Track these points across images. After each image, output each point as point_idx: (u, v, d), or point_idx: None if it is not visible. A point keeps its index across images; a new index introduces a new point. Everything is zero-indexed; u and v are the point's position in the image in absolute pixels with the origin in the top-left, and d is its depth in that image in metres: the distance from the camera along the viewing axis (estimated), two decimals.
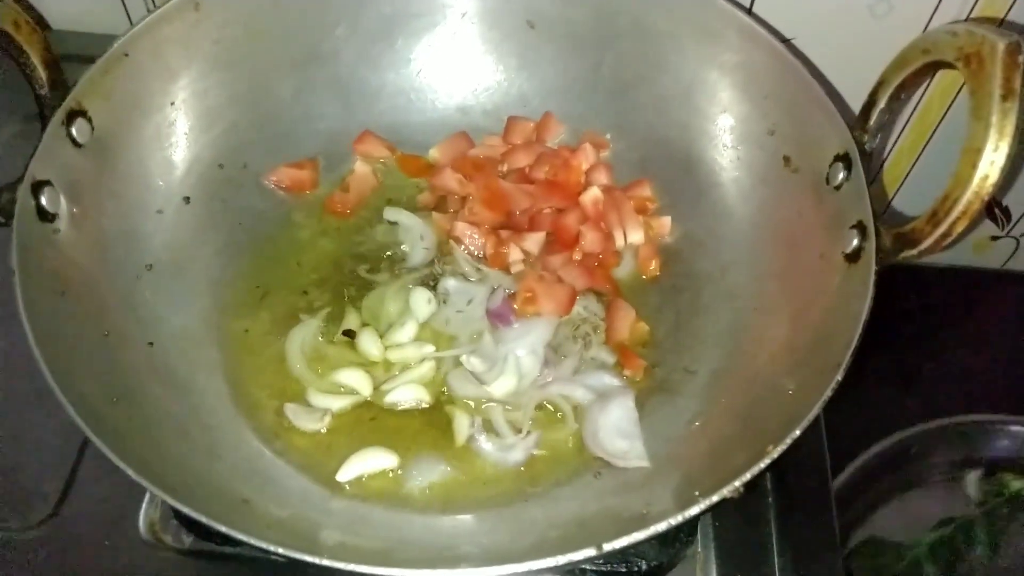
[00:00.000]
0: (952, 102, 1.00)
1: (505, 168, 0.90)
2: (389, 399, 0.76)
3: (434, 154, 0.90)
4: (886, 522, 1.03)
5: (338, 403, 0.75)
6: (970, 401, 1.07)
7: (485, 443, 0.74)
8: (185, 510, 0.58)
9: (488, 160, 0.90)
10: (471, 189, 0.87)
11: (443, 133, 0.91)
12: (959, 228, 0.59)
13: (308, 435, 0.74)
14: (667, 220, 0.86)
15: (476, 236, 0.84)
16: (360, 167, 0.89)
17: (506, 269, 0.83)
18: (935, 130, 1.04)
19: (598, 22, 0.88)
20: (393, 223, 0.86)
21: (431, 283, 0.82)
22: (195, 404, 0.73)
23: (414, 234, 0.85)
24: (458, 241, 0.84)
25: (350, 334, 0.79)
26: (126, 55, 0.76)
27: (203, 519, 0.58)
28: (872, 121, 0.70)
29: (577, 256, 0.84)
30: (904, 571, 0.99)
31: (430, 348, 0.78)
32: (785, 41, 0.82)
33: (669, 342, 0.80)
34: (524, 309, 0.80)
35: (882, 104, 0.70)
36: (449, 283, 0.82)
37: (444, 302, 0.81)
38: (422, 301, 0.80)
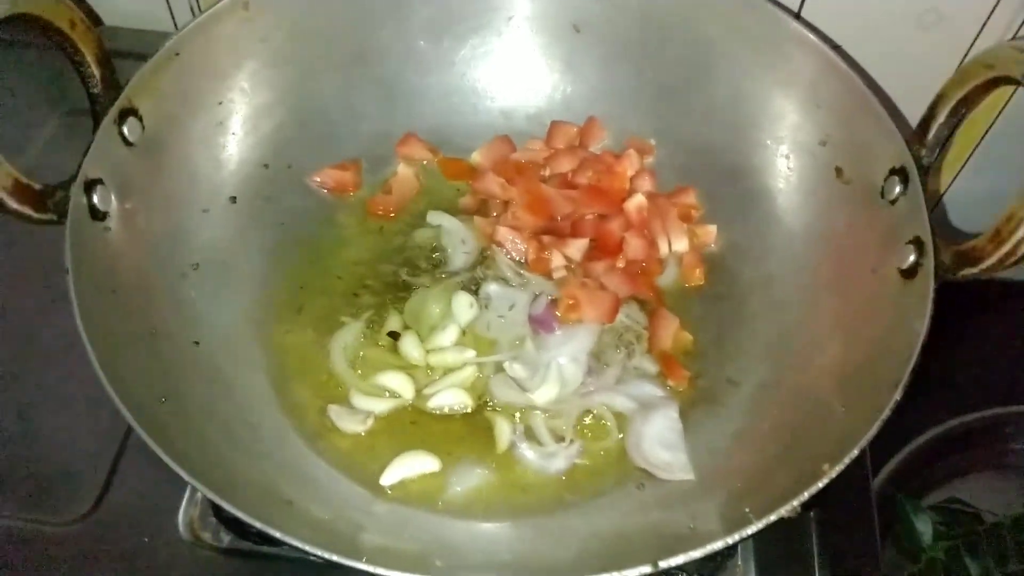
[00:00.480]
0: (997, 115, 0.99)
1: (547, 173, 0.89)
2: (431, 403, 0.76)
3: (476, 157, 0.90)
4: (970, 491, 1.05)
5: (380, 406, 0.75)
6: None
7: (527, 450, 0.73)
8: (229, 508, 0.58)
9: (531, 164, 0.89)
10: (513, 194, 0.87)
11: (486, 136, 0.91)
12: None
13: (350, 437, 0.74)
14: (712, 228, 0.85)
15: (518, 241, 0.84)
16: (403, 169, 0.89)
17: (548, 275, 0.83)
18: (982, 139, 1.02)
19: (645, 27, 0.87)
20: (436, 226, 0.86)
21: (473, 287, 0.82)
22: (239, 403, 0.73)
23: (456, 238, 0.85)
24: (500, 245, 0.84)
25: (394, 336, 0.79)
26: (177, 54, 0.76)
27: (246, 517, 0.58)
28: (931, 135, 0.69)
29: (620, 263, 0.84)
30: (982, 534, 1.01)
31: (471, 353, 0.78)
32: (836, 47, 0.81)
33: (713, 352, 0.79)
34: (566, 316, 0.80)
35: (941, 119, 0.68)
36: (491, 288, 0.81)
37: (486, 307, 0.81)
38: (464, 305, 0.80)
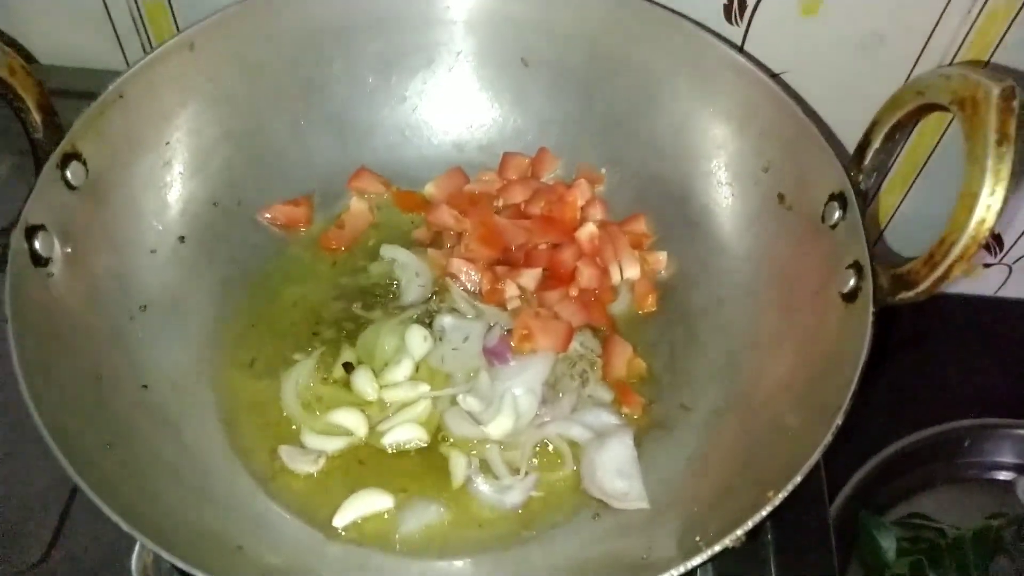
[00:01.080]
0: (942, 136, 1.01)
1: (500, 203, 0.90)
2: (386, 439, 0.75)
3: (430, 189, 0.90)
4: (931, 506, 1.06)
5: (333, 444, 0.75)
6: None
7: (482, 485, 0.73)
8: (176, 562, 0.57)
9: (484, 195, 0.90)
10: (466, 225, 0.87)
11: (439, 169, 0.91)
12: (956, 271, 0.59)
13: (303, 478, 0.73)
14: (663, 255, 0.86)
15: (472, 272, 0.84)
16: (356, 203, 0.89)
17: (502, 306, 0.83)
18: (925, 164, 1.04)
19: (591, 60, 0.88)
20: (389, 260, 0.86)
21: (427, 320, 0.82)
22: (188, 446, 0.72)
23: (410, 271, 0.85)
24: (454, 278, 0.84)
25: (348, 367, 0.78)
26: (121, 96, 0.75)
27: (191, 569, 0.57)
28: (867, 161, 0.70)
29: (573, 292, 0.84)
30: (945, 548, 1.02)
31: (425, 387, 0.78)
32: (774, 76, 0.82)
33: (667, 378, 0.80)
34: (521, 346, 0.80)
35: (877, 144, 0.70)
36: (445, 320, 0.82)
37: (440, 339, 0.81)
38: (418, 339, 0.80)
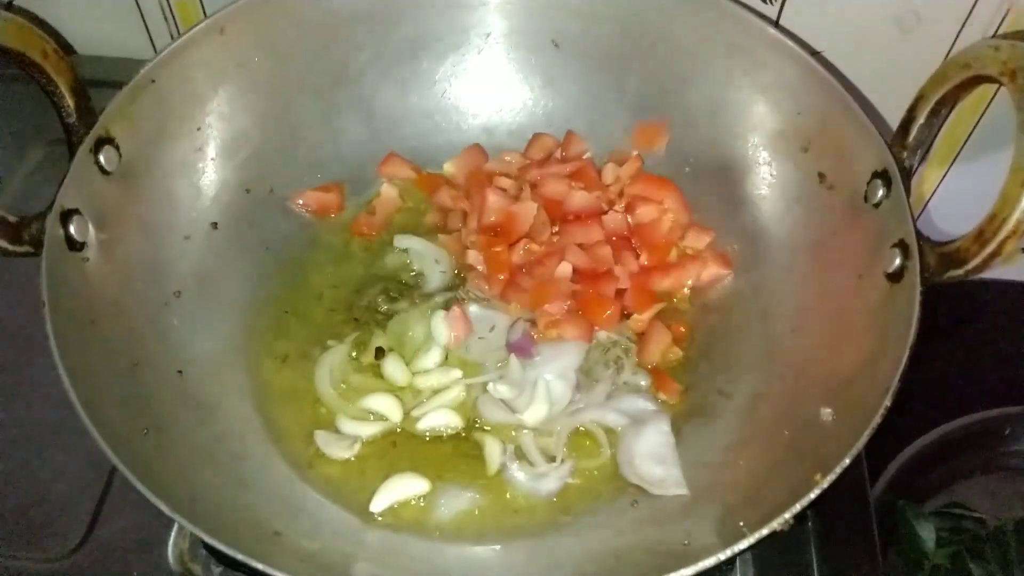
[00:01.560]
0: (982, 114, 0.99)
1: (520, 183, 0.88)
2: (420, 425, 0.75)
3: (449, 168, 0.89)
4: (971, 495, 1.04)
5: (368, 430, 0.74)
6: None
7: (517, 472, 0.72)
8: (214, 542, 0.57)
9: (503, 173, 0.88)
10: (465, 204, 0.86)
11: None
12: (1008, 248, 0.57)
13: (338, 463, 0.73)
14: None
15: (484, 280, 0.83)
16: (386, 190, 0.88)
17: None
18: (967, 139, 1.02)
19: (623, 39, 0.87)
20: (404, 249, 0.85)
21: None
22: (224, 432, 0.72)
23: (428, 258, 0.84)
24: (472, 269, 0.83)
25: (380, 353, 0.78)
26: (153, 81, 0.75)
27: (234, 553, 0.57)
28: (911, 137, 0.69)
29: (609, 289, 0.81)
30: (985, 539, 1.00)
31: (457, 373, 0.77)
32: (815, 54, 0.81)
33: (703, 365, 0.79)
34: (547, 333, 0.79)
35: (921, 120, 0.68)
36: (471, 309, 0.80)
37: None
38: (443, 327, 0.79)
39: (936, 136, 0.69)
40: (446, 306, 0.80)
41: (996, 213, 0.57)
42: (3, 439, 0.80)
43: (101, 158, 0.71)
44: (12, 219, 0.65)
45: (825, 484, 0.56)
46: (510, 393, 0.76)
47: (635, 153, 0.88)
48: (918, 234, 0.65)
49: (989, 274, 1.16)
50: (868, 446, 0.80)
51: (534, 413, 0.74)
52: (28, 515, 0.77)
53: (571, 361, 0.77)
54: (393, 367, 0.77)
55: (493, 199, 0.84)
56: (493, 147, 0.91)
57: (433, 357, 0.77)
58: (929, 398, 1.06)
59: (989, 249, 0.58)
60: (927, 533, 1.00)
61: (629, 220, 0.85)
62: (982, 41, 0.62)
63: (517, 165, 0.90)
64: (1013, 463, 1.07)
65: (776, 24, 0.90)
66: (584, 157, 0.89)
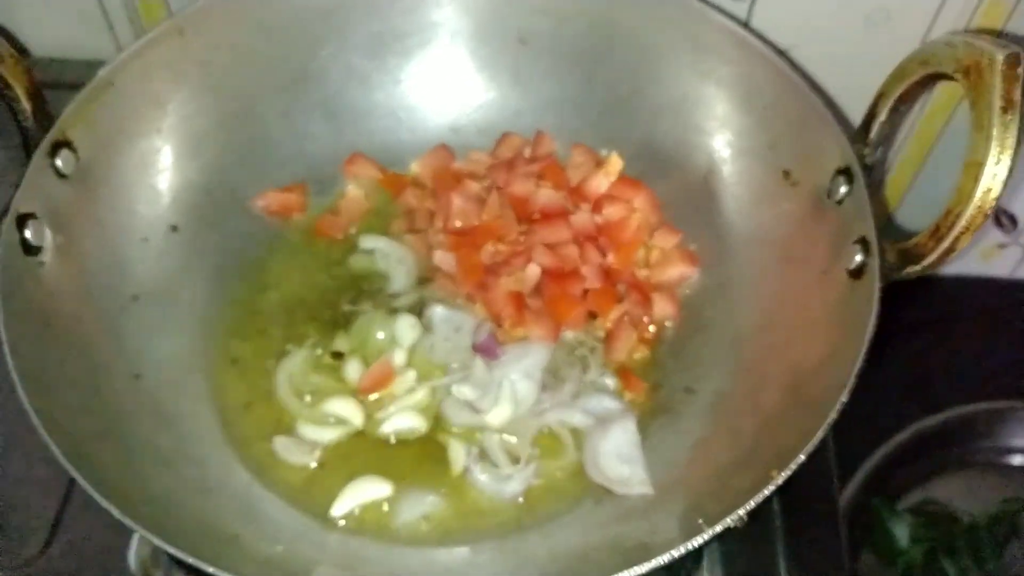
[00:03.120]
0: (953, 112, 0.99)
1: (487, 183, 0.87)
2: (384, 428, 0.74)
3: (415, 168, 0.89)
4: (945, 491, 1.04)
5: (328, 434, 0.73)
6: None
7: (480, 474, 0.72)
8: (171, 550, 0.57)
9: (471, 174, 0.87)
10: (429, 203, 0.86)
11: None
12: (963, 243, 0.58)
13: (299, 468, 0.72)
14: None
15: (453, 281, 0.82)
16: (352, 190, 0.87)
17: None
18: (937, 141, 1.02)
19: (591, 37, 0.86)
20: (370, 250, 0.84)
21: (417, 310, 0.80)
22: (183, 436, 0.71)
23: (392, 259, 0.83)
24: (438, 270, 0.82)
25: (337, 356, 0.77)
26: (111, 84, 0.74)
27: (190, 559, 0.56)
28: (873, 134, 0.69)
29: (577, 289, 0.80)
30: (959, 535, 1.00)
31: (412, 374, 0.76)
32: (782, 53, 0.81)
33: (671, 362, 0.78)
34: (511, 333, 0.78)
35: (883, 117, 0.68)
36: (436, 311, 0.79)
37: (430, 330, 0.79)
38: (406, 327, 0.78)
39: (904, 137, 0.70)
40: (411, 308, 0.80)
41: (951, 209, 0.57)
42: None
43: (58, 162, 0.71)
44: None
45: (780, 480, 0.56)
46: (474, 394, 0.75)
47: (614, 154, 0.87)
48: (878, 231, 0.65)
49: (964, 269, 1.18)
50: (842, 443, 0.80)
51: (499, 414, 0.74)
52: None
53: (537, 361, 0.76)
54: (354, 370, 0.76)
55: (459, 202, 0.83)
56: (460, 146, 0.90)
57: (396, 359, 0.76)
58: (903, 394, 1.07)
59: (945, 244, 0.58)
60: (901, 530, 1.01)
61: (597, 220, 0.85)
62: (940, 38, 0.62)
63: (485, 165, 0.89)
64: (987, 459, 1.07)
65: (745, 24, 0.89)
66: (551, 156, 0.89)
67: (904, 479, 1.05)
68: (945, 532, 1.02)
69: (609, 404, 0.76)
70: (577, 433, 0.74)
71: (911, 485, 1.06)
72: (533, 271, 0.80)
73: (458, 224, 0.84)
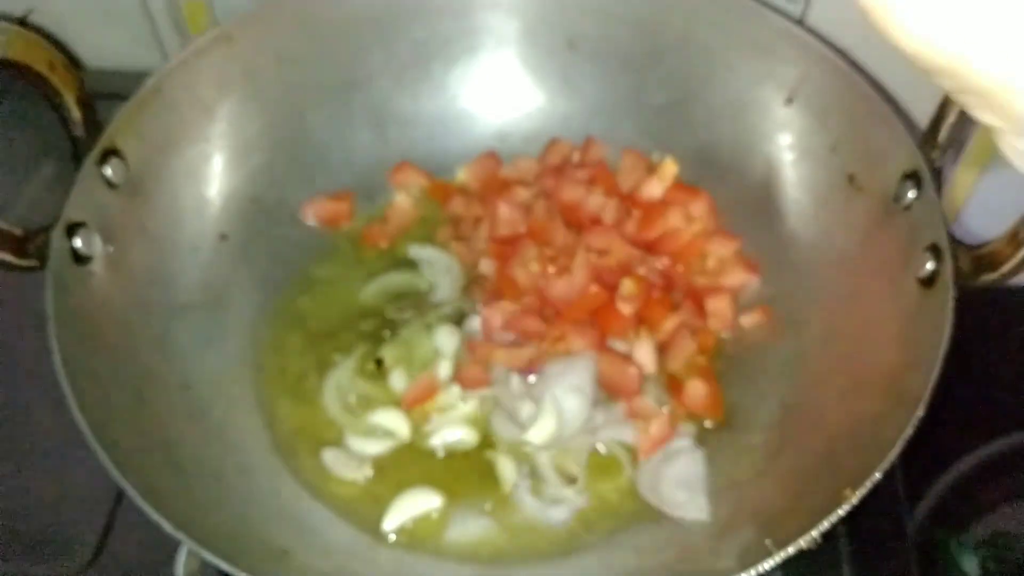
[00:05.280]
0: None
1: (535, 191, 0.85)
2: (432, 441, 0.73)
3: (462, 176, 0.87)
4: (1016, 521, 0.96)
5: (377, 447, 0.72)
6: None
7: (527, 497, 0.69)
8: (221, 564, 0.56)
9: (519, 180, 0.86)
10: (477, 209, 0.84)
11: None
12: None
13: (349, 481, 0.71)
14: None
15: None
16: (400, 199, 0.86)
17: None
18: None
19: (642, 39, 0.84)
20: (417, 259, 0.83)
21: (457, 319, 0.79)
22: (232, 448, 0.70)
23: (439, 268, 0.82)
24: (484, 278, 0.81)
25: (379, 363, 0.76)
26: (160, 91, 0.74)
27: (236, 571, 0.55)
28: (941, 137, 0.66)
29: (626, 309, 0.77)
30: None
31: (457, 389, 0.74)
32: (840, 52, 0.78)
33: (730, 374, 0.75)
34: (553, 348, 0.76)
35: (951, 119, 0.66)
36: (475, 321, 0.78)
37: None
38: (446, 336, 0.77)
39: (967, 136, 0.67)
40: (455, 316, 0.78)
41: None
42: (11, 455, 0.80)
43: (108, 171, 0.70)
44: (17, 232, 0.65)
45: (855, 499, 0.54)
46: (518, 407, 0.73)
47: (668, 158, 0.84)
48: (951, 237, 0.62)
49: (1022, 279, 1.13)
50: (906, 469, 0.77)
51: (541, 431, 0.71)
52: (37, 533, 0.76)
53: (585, 373, 0.73)
54: (398, 381, 0.75)
55: (505, 209, 0.82)
56: (508, 153, 0.88)
57: (442, 370, 0.75)
58: (965, 418, 1.02)
59: None
60: (969, 564, 0.96)
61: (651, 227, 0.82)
62: None
63: (533, 171, 0.87)
64: None
65: (800, 22, 0.87)
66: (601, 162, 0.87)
67: (972, 509, 0.99)
68: (1017, 566, 0.97)
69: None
70: (632, 451, 0.72)
71: (979, 515, 1.00)
72: (628, 288, 0.77)
73: (504, 231, 0.82)
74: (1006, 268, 0.59)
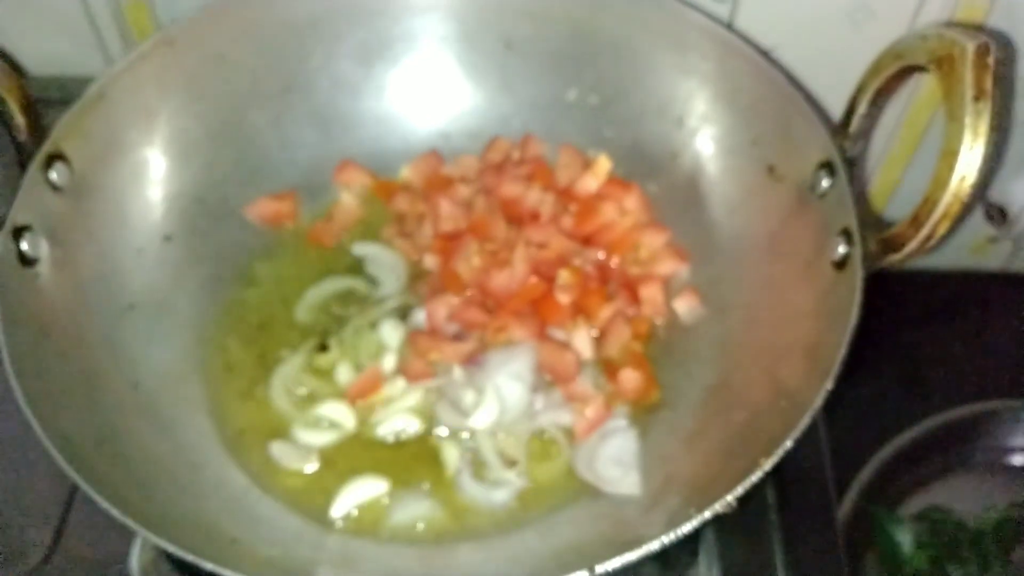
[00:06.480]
0: (939, 107, 0.99)
1: (476, 187, 0.88)
2: (380, 430, 0.75)
3: (405, 174, 0.90)
4: (948, 496, 1.02)
5: (323, 438, 0.74)
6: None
7: (469, 481, 0.72)
8: (172, 548, 0.57)
9: (461, 178, 0.88)
10: (420, 207, 0.86)
11: None
12: (941, 230, 0.59)
13: (296, 472, 0.73)
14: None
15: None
16: (345, 198, 0.88)
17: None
18: (924, 135, 1.03)
19: (574, 40, 0.87)
20: (361, 256, 0.85)
21: (402, 314, 0.81)
22: (181, 443, 0.72)
23: (384, 264, 0.84)
24: (429, 273, 0.83)
25: (325, 347, 0.78)
26: (103, 96, 0.75)
27: (190, 556, 0.57)
28: (853, 127, 0.70)
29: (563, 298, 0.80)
30: (964, 541, 0.99)
31: (402, 381, 0.77)
32: (763, 53, 0.82)
33: (661, 358, 0.79)
34: (495, 338, 0.78)
35: (862, 110, 0.69)
36: (419, 316, 0.80)
37: None
38: (390, 331, 0.79)
39: (875, 125, 0.71)
40: (400, 311, 0.81)
41: (928, 197, 0.59)
42: None
43: (52, 174, 0.72)
44: None
45: (767, 467, 0.57)
46: (461, 395, 0.75)
47: (603, 155, 0.87)
48: (860, 222, 0.66)
49: (958, 265, 1.18)
50: (839, 449, 0.80)
51: (483, 418, 0.74)
52: None
53: (524, 363, 0.76)
54: (345, 374, 0.77)
55: (447, 205, 0.84)
56: (450, 151, 0.91)
57: (387, 364, 0.77)
58: (899, 397, 1.06)
59: (924, 232, 0.59)
60: (904, 537, 0.99)
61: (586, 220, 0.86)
62: (913, 31, 0.64)
63: (474, 169, 0.90)
64: (990, 460, 1.05)
65: (729, 25, 0.91)
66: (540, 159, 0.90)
67: (905, 484, 1.03)
68: (950, 538, 1.00)
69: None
70: (570, 433, 0.75)
71: (913, 490, 1.04)
72: (564, 278, 0.80)
73: (446, 227, 0.85)
74: (908, 249, 0.62)
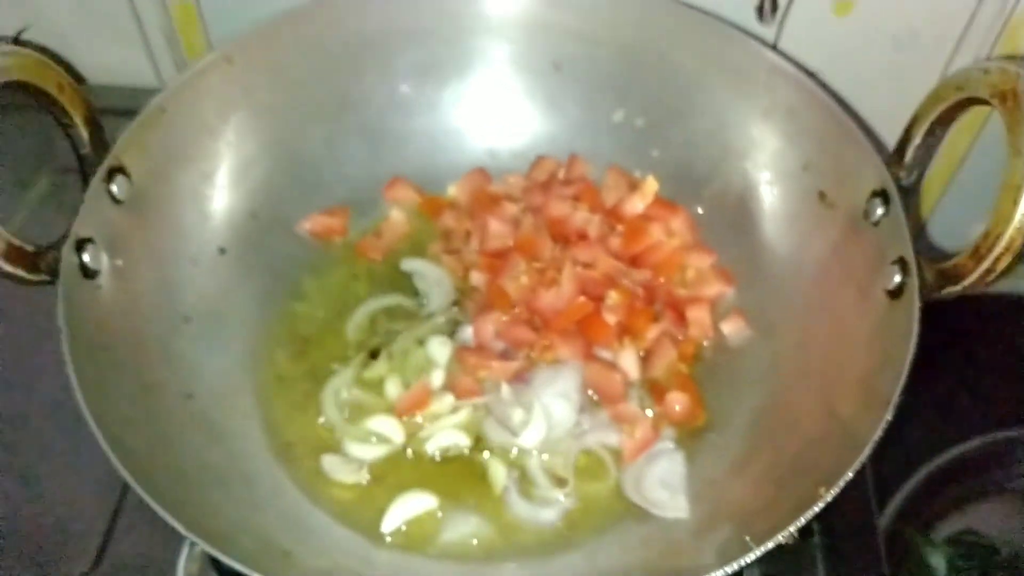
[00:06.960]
0: (980, 131, 1.00)
1: (522, 205, 0.89)
2: (429, 446, 0.75)
3: (452, 191, 0.91)
4: (983, 520, 1.02)
5: (373, 452, 0.75)
6: None
7: (517, 500, 0.72)
8: (225, 559, 0.58)
9: (507, 196, 0.89)
10: (467, 224, 0.87)
11: None
12: (1002, 264, 0.59)
13: (347, 485, 0.73)
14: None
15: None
16: (395, 214, 0.89)
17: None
18: (965, 159, 1.03)
19: (623, 63, 0.88)
20: (409, 272, 0.86)
21: (450, 330, 0.82)
22: (234, 454, 0.73)
23: (431, 280, 0.85)
24: (475, 290, 0.84)
25: (375, 355, 0.79)
26: (164, 111, 0.77)
27: (244, 568, 0.57)
28: (908, 156, 0.70)
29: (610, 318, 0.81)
30: (999, 566, 0.99)
31: (450, 397, 0.77)
32: (811, 75, 0.83)
33: (708, 381, 0.79)
34: (542, 356, 0.79)
35: (917, 140, 0.69)
36: (467, 332, 0.81)
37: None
38: (439, 349, 0.80)
39: (932, 155, 0.71)
40: (447, 327, 0.82)
41: (991, 230, 0.58)
42: (14, 465, 0.81)
43: (113, 187, 0.73)
44: (30, 249, 0.67)
45: (829, 497, 0.57)
46: (508, 414, 0.76)
47: (650, 176, 0.88)
48: (917, 252, 0.66)
49: (992, 287, 1.17)
50: (875, 471, 0.80)
51: (532, 435, 0.74)
52: (38, 539, 0.77)
53: (571, 380, 0.77)
54: (394, 389, 0.78)
55: (494, 223, 0.85)
56: (497, 169, 0.92)
57: (435, 380, 0.78)
58: (935, 421, 1.05)
59: (985, 265, 0.59)
60: (938, 561, 0.99)
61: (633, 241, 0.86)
62: (974, 64, 0.64)
63: (520, 187, 0.91)
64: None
65: (774, 47, 0.91)
66: (586, 179, 0.90)
67: (940, 508, 1.03)
68: (983, 562, 1.00)
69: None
70: (616, 454, 0.75)
71: (947, 514, 1.03)
72: (613, 299, 0.80)
73: (494, 245, 0.86)
74: (968, 281, 0.62)
